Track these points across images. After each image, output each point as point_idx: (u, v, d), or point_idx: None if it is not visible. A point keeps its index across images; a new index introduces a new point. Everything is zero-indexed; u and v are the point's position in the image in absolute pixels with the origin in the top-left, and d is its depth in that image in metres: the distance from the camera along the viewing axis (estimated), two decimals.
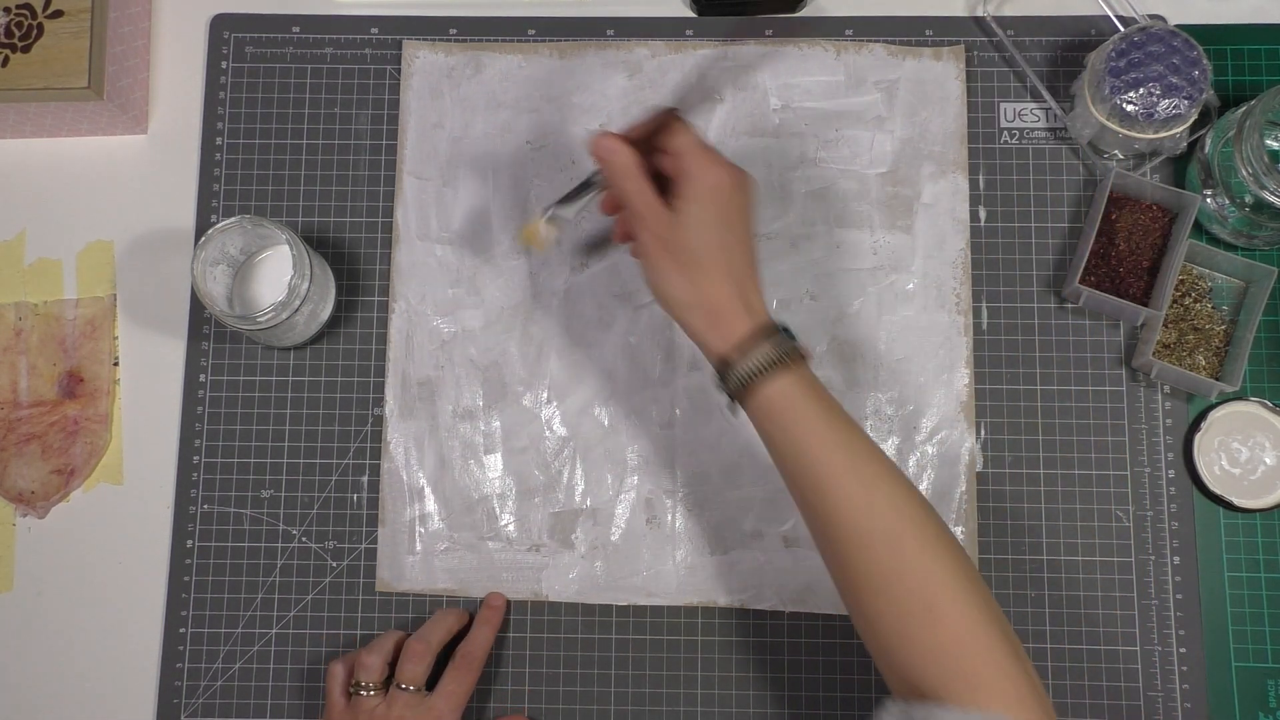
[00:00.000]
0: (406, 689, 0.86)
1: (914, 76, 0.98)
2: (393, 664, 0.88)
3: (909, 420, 0.94)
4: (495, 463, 0.95)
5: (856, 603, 0.74)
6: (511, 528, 0.94)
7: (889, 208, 0.96)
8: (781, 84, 0.98)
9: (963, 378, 0.94)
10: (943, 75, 0.98)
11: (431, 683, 0.88)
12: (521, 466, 0.95)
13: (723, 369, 0.77)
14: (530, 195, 0.98)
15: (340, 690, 0.87)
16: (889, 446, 0.93)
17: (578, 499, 0.94)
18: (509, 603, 0.93)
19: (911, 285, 0.96)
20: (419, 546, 0.94)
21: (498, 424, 0.95)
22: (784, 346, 0.76)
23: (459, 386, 0.96)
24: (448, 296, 0.97)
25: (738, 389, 0.76)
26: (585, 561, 0.93)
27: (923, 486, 0.93)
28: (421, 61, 1.00)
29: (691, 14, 1.01)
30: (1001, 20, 0.99)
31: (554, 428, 0.95)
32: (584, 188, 0.83)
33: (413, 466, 0.95)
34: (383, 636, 0.90)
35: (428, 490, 0.95)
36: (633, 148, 0.78)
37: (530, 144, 0.99)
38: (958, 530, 0.92)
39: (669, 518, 0.93)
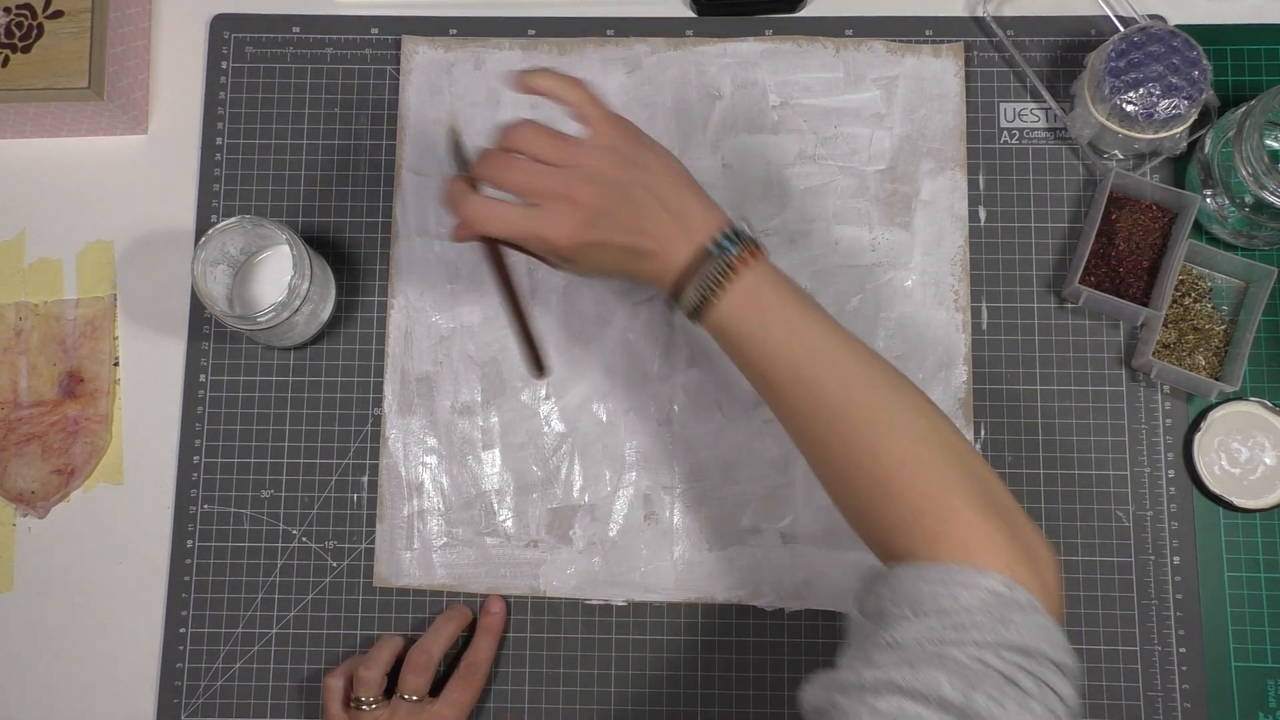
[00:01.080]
0: (409, 699, 0.87)
1: (913, 74, 0.98)
2: (390, 674, 0.89)
3: None
4: (493, 458, 0.95)
5: (828, 485, 0.75)
6: (509, 523, 0.94)
7: (888, 205, 0.97)
8: (780, 81, 0.99)
9: (961, 375, 0.94)
10: (941, 72, 0.98)
11: (435, 689, 0.89)
12: (520, 462, 0.95)
13: (673, 302, 0.77)
14: None
15: (339, 705, 0.87)
16: None
17: (576, 495, 0.94)
18: (508, 605, 0.93)
19: (910, 282, 0.96)
20: (417, 542, 0.94)
21: (496, 420, 0.95)
22: (722, 260, 0.75)
23: (457, 382, 0.96)
24: (446, 292, 0.97)
25: (692, 317, 0.77)
26: (583, 557, 0.93)
27: None
28: (421, 57, 1.00)
29: (691, 14, 1.01)
30: (1001, 20, 0.99)
31: (552, 423, 0.95)
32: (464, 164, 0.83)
33: (411, 462, 0.95)
34: (378, 647, 0.89)
35: (426, 486, 0.95)
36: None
37: None
38: None
39: (667, 514, 0.93)
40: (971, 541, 0.67)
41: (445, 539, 0.94)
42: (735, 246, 0.76)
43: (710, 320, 0.76)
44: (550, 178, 0.76)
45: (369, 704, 0.86)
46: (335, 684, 0.88)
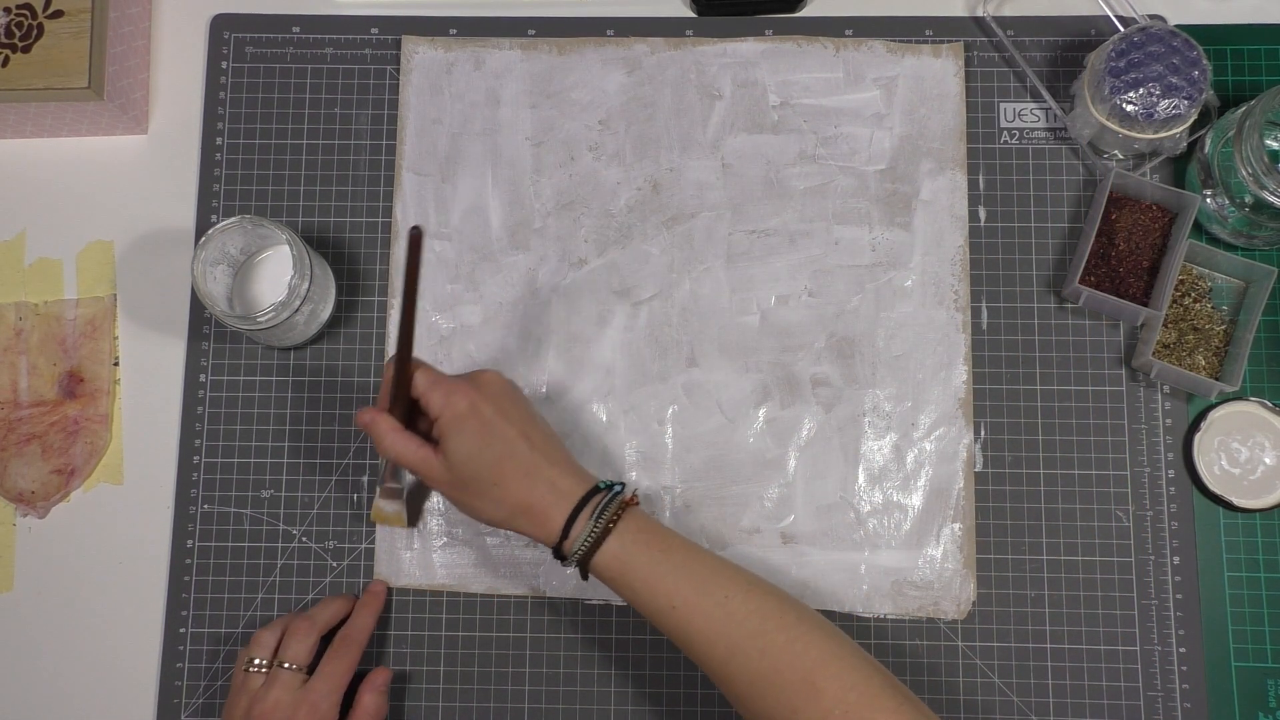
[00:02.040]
0: (289, 668, 0.86)
1: (913, 73, 0.98)
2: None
3: (907, 417, 0.94)
4: None
5: (743, 702, 0.77)
6: None
7: (887, 204, 0.97)
8: (780, 80, 0.99)
9: (961, 374, 0.94)
10: (941, 72, 0.98)
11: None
12: None
13: (558, 556, 0.81)
14: (530, 192, 0.98)
15: (240, 668, 0.88)
16: (886, 443, 0.94)
17: None
18: (391, 591, 0.94)
19: (910, 282, 0.96)
20: (417, 542, 0.94)
21: None
22: (601, 515, 0.79)
23: None
24: (446, 292, 0.97)
25: (580, 567, 0.80)
26: None
27: (920, 484, 0.93)
28: (421, 57, 1.00)
29: (691, 14, 1.01)
30: (1001, 20, 0.99)
31: (551, 424, 0.94)
32: None
33: None
34: (282, 617, 0.90)
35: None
36: (387, 412, 0.83)
37: (529, 140, 0.99)
38: (955, 527, 0.92)
39: (667, 514, 0.93)
40: None
41: (445, 539, 0.94)
42: (619, 486, 0.82)
43: (607, 555, 0.79)
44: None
45: (257, 666, 0.86)
46: (243, 651, 0.88)
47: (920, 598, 0.92)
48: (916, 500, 0.93)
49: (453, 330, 0.96)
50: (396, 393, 0.83)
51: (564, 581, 0.93)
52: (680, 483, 0.94)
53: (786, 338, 0.95)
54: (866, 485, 0.93)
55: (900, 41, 0.99)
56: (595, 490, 0.80)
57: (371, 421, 0.82)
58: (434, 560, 0.94)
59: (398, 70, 1.01)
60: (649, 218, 0.97)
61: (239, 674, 0.87)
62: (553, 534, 0.80)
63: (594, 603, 0.93)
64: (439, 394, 0.81)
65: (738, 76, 0.99)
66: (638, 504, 0.82)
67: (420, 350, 0.96)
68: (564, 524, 0.79)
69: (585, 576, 0.81)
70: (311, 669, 0.87)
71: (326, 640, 0.89)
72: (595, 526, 0.78)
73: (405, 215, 0.98)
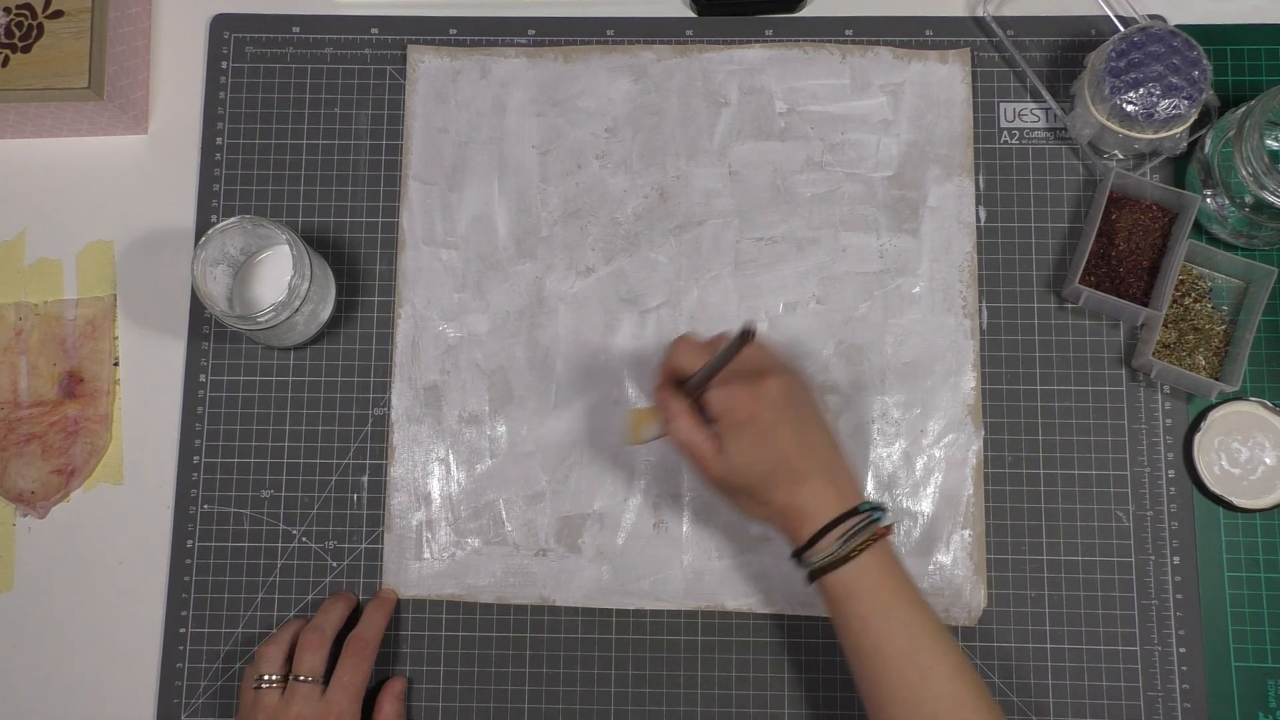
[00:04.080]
0: (305, 680, 0.86)
1: (920, 80, 0.98)
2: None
3: (916, 424, 0.94)
4: (502, 467, 0.94)
5: None
6: (518, 533, 0.94)
7: (895, 211, 0.96)
8: (787, 87, 0.98)
9: (970, 381, 0.94)
10: (948, 78, 0.98)
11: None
12: (528, 471, 0.94)
13: (797, 560, 0.80)
14: (537, 200, 0.98)
15: (250, 685, 0.87)
16: (895, 450, 0.94)
17: (585, 503, 0.94)
18: (397, 599, 0.93)
19: (918, 289, 0.96)
20: (425, 552, 0.94)
21: (504, 428, 0.95)
22: (849, 540, 0.78)
23: (465, 391, 0.95)
24: (453, 302, 0.97)
25: (810, 577, 0.79)
26: (593, 566, 0.93)
27: (930, 490, 0.93)
28: (426, 66, 1.00)
29: (691, 14, 1.01)
30: (1001, 20, 0.99)
31: (560, 432, 0.95)
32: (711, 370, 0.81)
33: (419, 472, 0.95)
34: (283, 627, 0.90)
35: (434, 495, 0.94)
36: (683, 395, 0.81)
37: (536, 148, 0.98)
38: (965, 533, 0.92)
39: (676, 522, 0.93)
40: None
41: (454, 549, 0.94)
42: (879, 513, 0.80)
43: (839, 578, 0.78)
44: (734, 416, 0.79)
45: (268, 681, 0.86)
46: (249, 667, 0.88)
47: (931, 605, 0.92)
48: (926, 507, 0.93)
49: (460, 339, 0.96)
50: (685, 379, 0.81)
51: (573, 591, 0.93)
52: (689, 491, 0.94)
53: (795, 345, 0.95)
54: (876, 492, 0.93)
55: (906, 48, 0.99)
56: (855, 511, 0.79)
57: (666, 401, 0.81)
58: (441, 570, 0.93)
59: (398, 71, 1.00)
60: (656, 225, 0.97)
61: (248, 692, 0.87)
62: (800, 540, 0.79)
63: (599, 609, 0.93)
64: (722, 397, 0.79)
65: (744, 83, 0.99)
66: (890, 535, 0.80)
67: (427, 359, 0.96)
68: (812, 536, 0.79)
69: (809, 583, 0.80)
70: (324, 676, 0.87)
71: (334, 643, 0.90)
72: (838, 549, 0.78)
73: (412, 224, 0.98)
